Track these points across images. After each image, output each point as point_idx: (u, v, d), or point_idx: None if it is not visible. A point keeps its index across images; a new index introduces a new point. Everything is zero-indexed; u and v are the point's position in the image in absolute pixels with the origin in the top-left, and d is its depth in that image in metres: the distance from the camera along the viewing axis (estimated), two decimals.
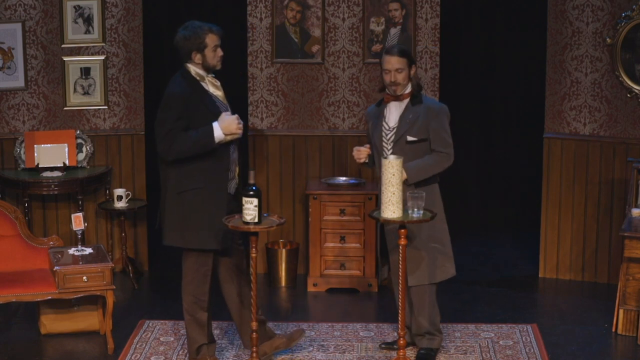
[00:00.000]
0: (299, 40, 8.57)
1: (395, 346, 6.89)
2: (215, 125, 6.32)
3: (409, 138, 6.64)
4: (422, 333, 6.90)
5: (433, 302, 6.86)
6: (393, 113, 6.73)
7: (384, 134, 6.73)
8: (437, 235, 6.74)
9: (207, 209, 6.44)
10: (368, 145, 6.85)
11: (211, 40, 6.40)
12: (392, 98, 6.73)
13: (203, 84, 6.47)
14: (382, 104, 6.81)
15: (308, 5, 8.53)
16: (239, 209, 6.29)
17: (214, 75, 6.54)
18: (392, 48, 6.72)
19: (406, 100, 6.71)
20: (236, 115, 6.41)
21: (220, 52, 6.45)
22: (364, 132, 8.65)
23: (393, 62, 6.62)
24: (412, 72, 6.70)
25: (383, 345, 7.09)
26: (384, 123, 6.75)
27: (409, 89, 6.70)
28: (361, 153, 6.82)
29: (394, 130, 6.69)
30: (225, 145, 6.42)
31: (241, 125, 6.38)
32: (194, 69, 6.45)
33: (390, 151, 6.67)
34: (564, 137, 8.57)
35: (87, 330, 7.40)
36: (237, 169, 6.56)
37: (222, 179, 6.48)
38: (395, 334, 7.19)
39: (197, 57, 6.42)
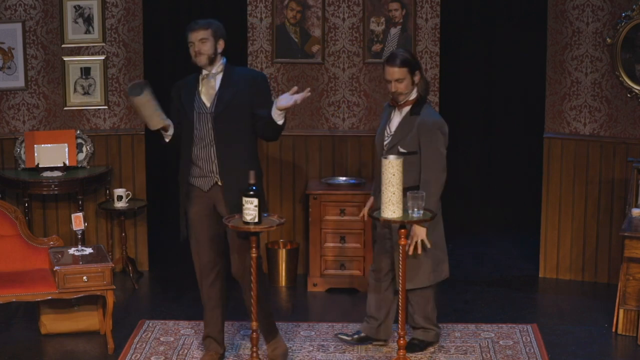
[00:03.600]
0: (299, 40, 8.57)
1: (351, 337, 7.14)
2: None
3: (401, 149, 6.67)
4: (418, 327, 7.04)
5: (428, 301, 6.94)
6: (396, 119, 6.77)
7: (385, 137, 6.78)
8: (434, 238, 6.75)
9: (180, 199, 6.82)
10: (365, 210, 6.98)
11: (188, 37, 6.50)
12: (397, 103, 6.76)
13: (200, 77, 6.58)
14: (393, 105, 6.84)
15: (308, 5, 8.53)
16: (206, 205, 6.59)
17: (213, 72, 6.54)
18: (393, 57, 6.66)
19: (408, 108, 6.71)
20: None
21: (191, 50, 6.49)
22: (364, 132, 8.66)
23: (393, 72, 6.61)
24: (417, 78, 6.68)
25: (344, 336, 7.20)
26: (387, 127, 6.79)
27: (414, 95, 6.71)
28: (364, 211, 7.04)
29: (390, 138, 6.74)
30: (188, 141, 6.59)
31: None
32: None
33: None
34: (564, 137, 8.57)
35: (87, 330, 7.40)
36: (215, 167, 6.55)
37: (185, 175, 6.72)
38: (395, 333, 7.19)
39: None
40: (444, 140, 6.68)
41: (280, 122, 6.41)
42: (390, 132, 6.75)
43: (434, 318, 7.04)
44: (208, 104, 6.51)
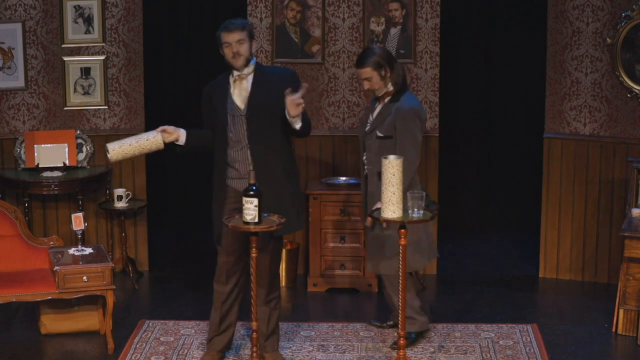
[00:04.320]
0: (299, 40, 8.57)
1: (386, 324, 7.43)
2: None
3: (378, 133, 6.94)
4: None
5: (409, 290, 7.07)
6: (377, 109, 7.05)
7: (367, 126, 7.06)
8: (411, 229, 6.89)
9: (213, 204, 6.64)
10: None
11: (222, 37, 6.44)
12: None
13: (231, 77, 6.53)
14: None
15: (308, 5, 8.53)
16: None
17: (244, 73, 6.51)
18: (358, 59, 6.97)
19: (389, 98, 6.98)
20: (161, 129, 6.50)
21: (230, 50, 6.42)
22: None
23: (359, 73, 6.97)
24: (385, 73, 6.90)
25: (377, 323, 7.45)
26: (370, 116, 7.08)
27: (389, 89, 6.97)
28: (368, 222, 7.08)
29: (370, 124, 7.02)
30: (222, 143, 6.51)
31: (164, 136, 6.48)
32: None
33: (367, 142, 6.99)
34: (564, 137, 8.57)
35: (87, 330, 7.40)
36: (249, 168, 6.51)
37: (221, 178, 6.56)
38: (396, 333, 7.19)
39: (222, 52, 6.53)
40: (420, 126, 6.90)
41: (297, 126, 6.41)
42: (372, 120, 7.02)
43: (417, 307, 7.16)
44: (242, 107, 6.48)
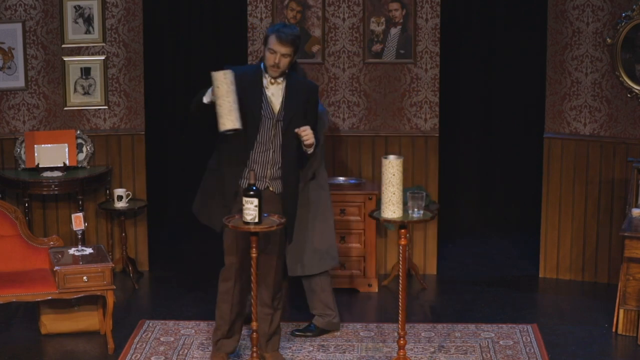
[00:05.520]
0: None
1: (308, 333, 7.39)
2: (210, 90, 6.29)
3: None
4: (316, 314, 7.38)
5: (324, 287, 7.35)
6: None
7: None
8: (324, 225, 7.09)
9: (211, 188, 6.59)
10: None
11: (272, 41, 6.37)
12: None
13: (264, 77, 6.48)
14: None
15: (308, 5, 8.53)
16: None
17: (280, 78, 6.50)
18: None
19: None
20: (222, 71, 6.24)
21: (274, 59, 6.37)
22: (364, 132, 8.66)
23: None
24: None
25: (297, 332, 7.42)
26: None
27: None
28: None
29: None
30: (245, 140, 6.43)
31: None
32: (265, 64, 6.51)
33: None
34: (564, 137, 8.57)
35: (87, 330, 7.40)
36: (268, 172, 6.52)
37: (235, 170, 6.50)
38: (395, 333, 7.20)
39: (264, 52, 6.46)
40: None
41: (310, 151, 6.53)
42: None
43: (332, 303, 7.34)
44: (276, 111, 6.47)
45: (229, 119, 6.15)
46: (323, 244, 7.33)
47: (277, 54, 6.37)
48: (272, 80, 6.48)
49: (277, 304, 6.77)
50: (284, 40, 6.36)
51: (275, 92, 6.50)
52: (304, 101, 6.52)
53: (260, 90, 6.47)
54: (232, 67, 6.34)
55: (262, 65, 6.52)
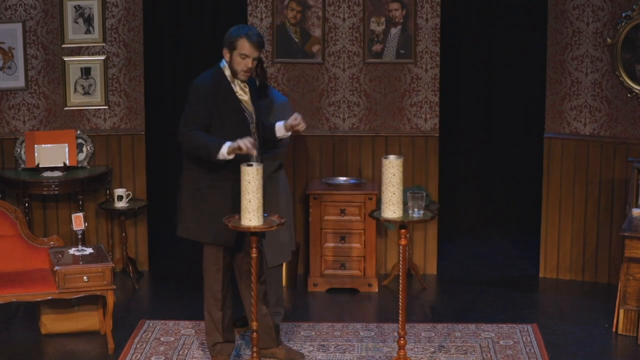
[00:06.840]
0: (300, 40, 8.57)
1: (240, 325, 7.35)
2: (227, 144, 6.25)
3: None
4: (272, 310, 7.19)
5: (279, 282, 7.40)
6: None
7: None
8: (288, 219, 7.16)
9: (218, 205, 6.52)
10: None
11: (243, 46, 6.35)
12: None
13: (233, 85, 6.47)
14: None
15: (308, 5, 8.53)
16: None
17: (245, 82, 6.52)
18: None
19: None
20: (249, 139, 6.28)
21: (247, 63, 6.37)
22: (365, 132, 8.66)
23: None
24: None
25: (238, 323, 7.36)
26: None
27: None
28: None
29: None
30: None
31: (249, 147, 6.26)
32: (227, 69, 6.46)
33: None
34: (564, 137, 8.57)
35: (88, 330, 7.40)
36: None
37: (233, 178, 6.46)
38: (395, 333, 7.20)
39: (227, 56, 6.42)
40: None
41: (287, 134, 6.62)
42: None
43: (282, 298, 7.41)
44: (253, 114, 6.53)
45: (257, 215, 6.15)
46: (286, 236, 7.31)
47: (250, 58, 6.37)
48: (242, 85, 6.50)
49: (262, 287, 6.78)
50: (256, 43, 6.38)
51: (244, 96, 6.53)
52: (257, 97, 6.65)
53: (236, 98, 6.50)
54: (199, 78, 6.41)
55: (222, 70, 6.47)
